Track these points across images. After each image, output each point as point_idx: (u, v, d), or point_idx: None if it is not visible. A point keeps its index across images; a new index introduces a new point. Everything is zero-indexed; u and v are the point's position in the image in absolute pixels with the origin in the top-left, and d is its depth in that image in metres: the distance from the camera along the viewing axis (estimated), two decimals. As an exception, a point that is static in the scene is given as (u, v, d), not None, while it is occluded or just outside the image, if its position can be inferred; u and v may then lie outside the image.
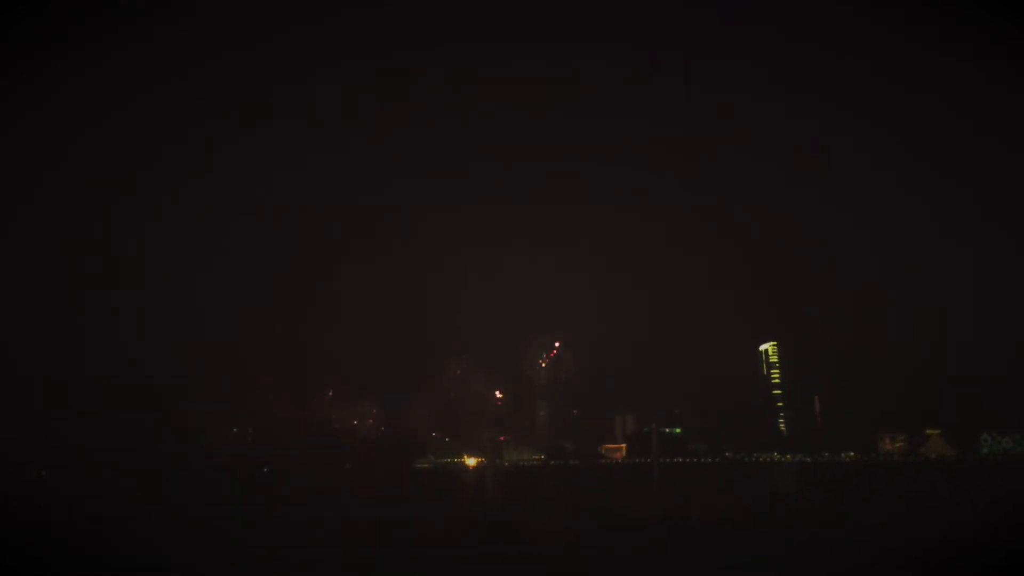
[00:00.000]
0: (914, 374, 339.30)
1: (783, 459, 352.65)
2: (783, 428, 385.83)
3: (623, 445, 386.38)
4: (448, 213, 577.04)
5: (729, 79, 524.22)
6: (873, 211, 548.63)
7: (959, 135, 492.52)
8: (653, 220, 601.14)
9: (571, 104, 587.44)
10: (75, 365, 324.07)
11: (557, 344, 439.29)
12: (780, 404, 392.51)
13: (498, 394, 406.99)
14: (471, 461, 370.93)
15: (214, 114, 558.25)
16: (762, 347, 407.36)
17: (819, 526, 74.02)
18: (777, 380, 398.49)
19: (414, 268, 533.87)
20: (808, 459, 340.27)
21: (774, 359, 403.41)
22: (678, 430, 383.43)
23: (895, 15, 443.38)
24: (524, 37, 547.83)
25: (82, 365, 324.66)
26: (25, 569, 48.08)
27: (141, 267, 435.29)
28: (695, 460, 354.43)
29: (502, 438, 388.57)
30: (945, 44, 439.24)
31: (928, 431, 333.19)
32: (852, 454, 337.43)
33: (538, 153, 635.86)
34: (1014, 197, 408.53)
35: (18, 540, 61.26)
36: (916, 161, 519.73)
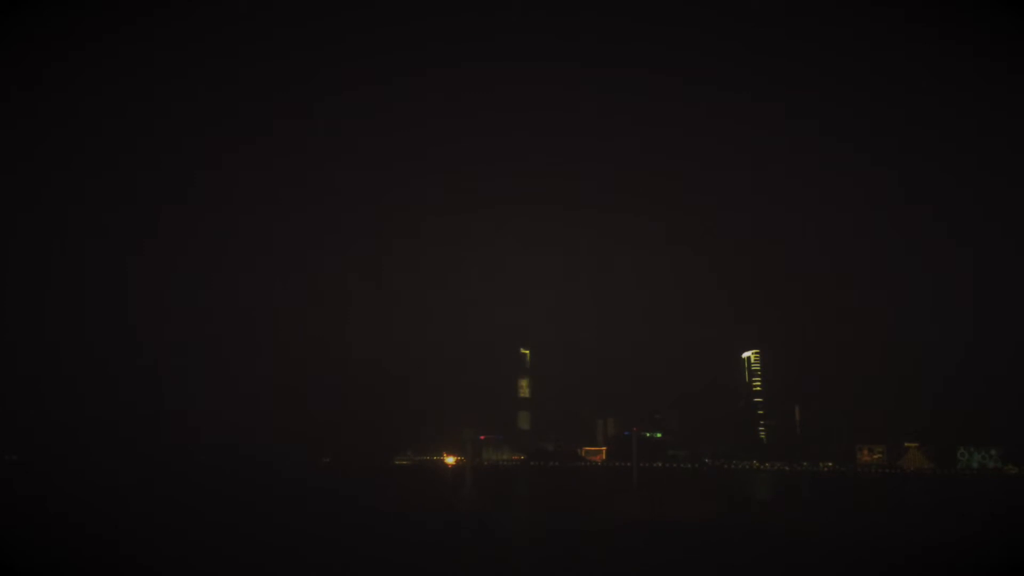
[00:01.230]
0: (896, 387, 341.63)
1: (762, 467, 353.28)
2: (763, 436, 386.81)
3: (604, 448, 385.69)
4: (448, 213, 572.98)
5: (729, 79, 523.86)
6: (873, 211, 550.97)
7: (959, 135, 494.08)
8: (652, 220, 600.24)
9: (571, 104, 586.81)
10: (76, 364, 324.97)
11: (545, 344, 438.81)
12: (761, 412, 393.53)
13: (481, 394, 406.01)
14: (450, 459, 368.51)
15: (214, 114, 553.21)
16: (745, 355, 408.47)
17: (794, 532, 73.57)
18: (759, 388, 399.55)
19: (412, 267, 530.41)
20: (787, 468, 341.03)
21: (756, 367, 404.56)
22: (659, 435, 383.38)
23: (895, 15, 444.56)
24: (524, 37, 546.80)
25: (83, 364, 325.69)
26: (25, 569, 46.69)
27: (143, 267, 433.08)
28: (674, 465, 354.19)
29: (482, 437, 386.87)
30: (945, 44, 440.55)
31: (907, 444, 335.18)
32: (831, 464, 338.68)
33: (538, 152, 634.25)
34: (1014, 197, 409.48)
35: (18, 539, 59.64)
36: (916, 161, 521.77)
